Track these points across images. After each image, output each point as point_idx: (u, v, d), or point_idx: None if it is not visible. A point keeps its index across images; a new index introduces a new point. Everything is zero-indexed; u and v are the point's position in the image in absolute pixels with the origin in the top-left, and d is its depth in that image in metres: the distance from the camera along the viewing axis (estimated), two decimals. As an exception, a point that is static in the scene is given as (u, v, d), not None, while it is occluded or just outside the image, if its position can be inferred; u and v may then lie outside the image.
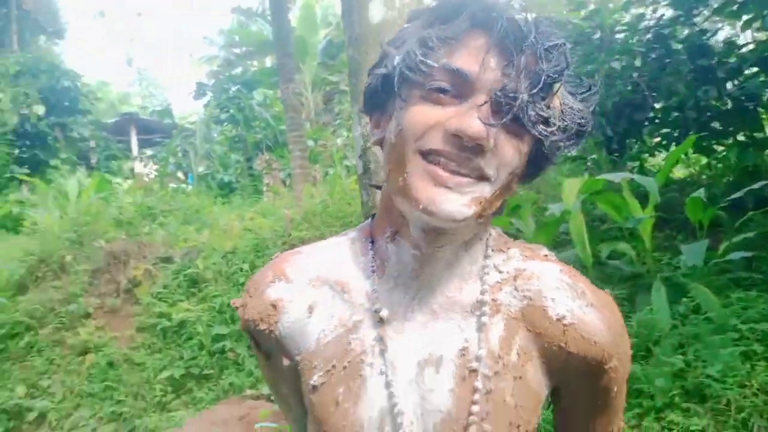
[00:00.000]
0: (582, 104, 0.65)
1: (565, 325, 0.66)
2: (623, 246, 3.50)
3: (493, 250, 0.71)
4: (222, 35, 15.06)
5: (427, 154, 0.60)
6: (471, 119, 0.57)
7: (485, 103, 0.58)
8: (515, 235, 5.10)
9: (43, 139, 12.29)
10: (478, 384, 0.65)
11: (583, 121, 0.64)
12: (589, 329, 0.66)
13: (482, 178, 0.60)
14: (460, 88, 0.59)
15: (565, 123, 0.62)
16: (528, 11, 0.59)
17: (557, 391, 0.73)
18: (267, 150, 9.72)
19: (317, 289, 0.72)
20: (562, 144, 0.63)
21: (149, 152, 14.97)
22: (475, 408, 0.64)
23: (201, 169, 11.72)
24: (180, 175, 12.60)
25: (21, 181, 10.46)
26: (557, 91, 0.61)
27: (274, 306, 0.72)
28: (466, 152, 0.58)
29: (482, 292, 0.68)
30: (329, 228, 5.09)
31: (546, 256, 0.73)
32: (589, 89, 0.66)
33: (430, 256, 0.66)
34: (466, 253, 0.69)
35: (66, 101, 13.06)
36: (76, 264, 4.98)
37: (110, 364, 4.43)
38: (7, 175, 11.28)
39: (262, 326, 0.72)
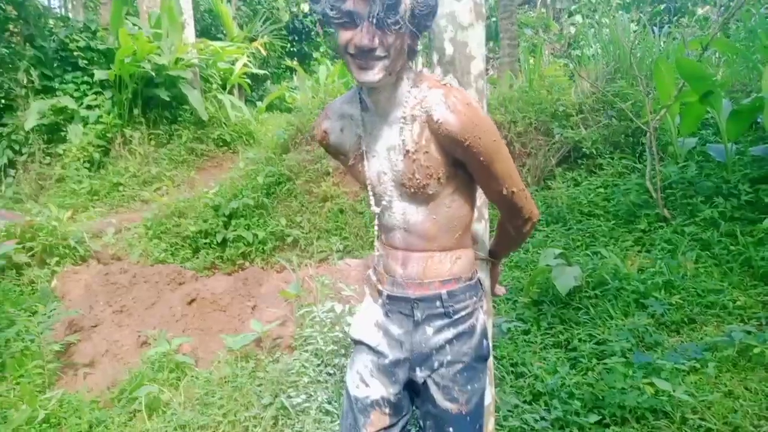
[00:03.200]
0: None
1: (439, 122, 1.26)
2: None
3: (413, 87, 1.32)
4: None
5: (351, 55, 1.21)
6: (361, 38, 1.16)
7: (363, 25, 1.16)
8: (707, 121, 4.82)
9: (308, 33, 14.50)
10: (410, 156, 1.33)
11: (424, 8, 1.19)
12: (449, 122, 1.25)
13: (379, 58, 1.19)
14: (353, 18, 1.17)
15: (416, 15, 1.19)
16: None
17: (461, 164, 1.34)
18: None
19: (343, 120, 1.46)
20: (420, 26, 1.21)
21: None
22: (408, 168, 1.33)
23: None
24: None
25: (292, 70, 12.76)
26: (403, 20, 1.16)
27: (325, 132, 1.48)
28: (366, 53, 1.19)
29: (404, 111, 1.32)
30: (522, 113, 5.49)
31: (444, 84, 1.31)
32: None
33: (377, 96, 1.32)
34: (394, 90, 1.31)
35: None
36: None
37: (341, 211, 5.77)
38: (283, 66, 13.82)
39: (323, 143, 1.50)
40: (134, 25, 8.03)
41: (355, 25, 1.18)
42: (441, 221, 1.40)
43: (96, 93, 7.36)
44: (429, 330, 1.45)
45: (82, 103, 7.20)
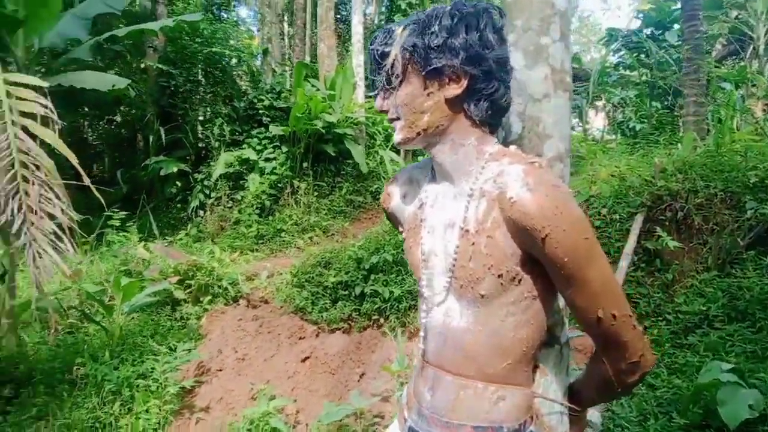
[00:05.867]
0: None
1: (512, 202, 0.98)
2: None
3: (489, 161, 1.09)
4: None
5: None
6: (376, 102, 1.14)
7: (378, 92, 1.14)
8: None
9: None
10: (468, 238, 1.06)
11: (426, 45, 1.07)
12: (524, 202, 0.97)
13: (394, 119, 1.12)
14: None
15: (415, 60, 1.07)
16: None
17: (538, 266, 1.04)
18: (675, 95, 8.84)
19: (409, 185, 1.26)
20: (431, 67, 1.07)
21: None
22: (463, 251, 1.07)
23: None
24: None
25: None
26: (395, 72, 1.09)
27: (388, 195, 1.29)
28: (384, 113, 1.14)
29: (473, 184, 1.08)
30: (705, 181, 4.60)
31: (531, 161, 1.04)
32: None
33: (438, 162, 1.15)
34: (455, 156, 1.11)
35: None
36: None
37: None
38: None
39: (384, 207, 1.29)
40: (313, 86, 8.80)
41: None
42: (487, 337, 1.08)
43: (274, 147, 8.15)
44: (452, 487, 1.11)
45: (261, 156, 8.01)
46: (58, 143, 3.40)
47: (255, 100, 8.41)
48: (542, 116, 1.27)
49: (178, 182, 8.36)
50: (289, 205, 7.69)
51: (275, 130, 7.96)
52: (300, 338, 4.00)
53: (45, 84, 3.51)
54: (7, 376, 3.61)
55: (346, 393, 3.38)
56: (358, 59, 9.00)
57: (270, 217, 7.57)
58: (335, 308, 5.55)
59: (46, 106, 3.40)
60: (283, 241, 7.09)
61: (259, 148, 8.14)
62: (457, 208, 1.10)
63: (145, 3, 10.23)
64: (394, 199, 1.28)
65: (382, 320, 5.41)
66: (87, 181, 3.42)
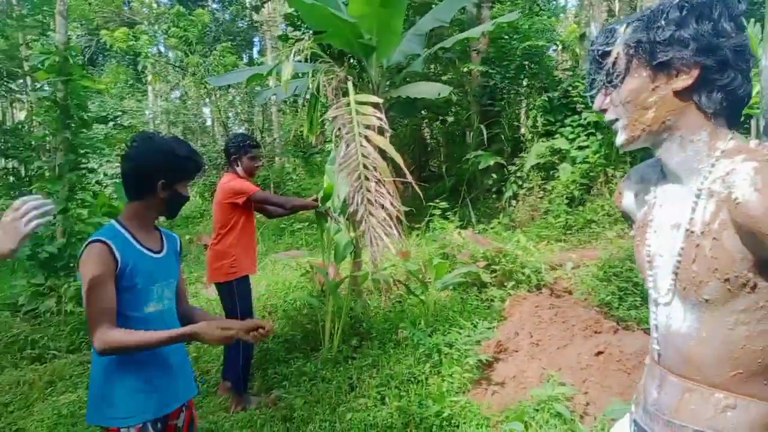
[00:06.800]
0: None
1: (737, 202, 0.94)
2: None
3: (720, 159, 1.04)
4: None
5: None
6: (596, 101, 1.16)
7: (598, 90, 1.08)
8: None
9: None
10: (692, 239, 1.05)
11: (658, 30, 1.07)
12: (749, 203, 0.92)
13: (616, 120, 1.10)
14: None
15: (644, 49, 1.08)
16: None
17: None
18: None
19: (640, 184, 1.26)
20: (658, 58, 1.07)
21: None
22: (687, 253, 1.06)
23: None
24: None
25: None
26: (618, 70, 1.11)
27: (620, 193, 1.33)
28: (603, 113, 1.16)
29: (702, 183, 1.05)
30: None
31: (767, 158, 0.96)
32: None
33: (665, 161, 1.13)
34: (683, 154, 1.09)
35: None
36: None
37: None
38: None
39: (617, 205, 1.36)
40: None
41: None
42: (713, 344, 1.06)
43: (588, 134, 7.93)
44: (669, 486, 1.13)
45: (574, 144, 7.91)
46: (388, 147, 4.20)
47: (570, 88, 8.32)
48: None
49: (494, 174, 8.96)
50: (602, 194, 7.40)
51: (590, 116, 7.74)
52: (595, 332, 3.93)
53: (380, 101, 4.37)
54: (355, 330, 4.69)
55: (639, 395, 3.22)
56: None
57: (580, 207, 7.44)
58: (645, 307, 5.17)
59: (380, 119, 4.24)
60: (593, 231, 6.89)
61: (572, 136, 8.05)
62: (684, 209, 1.09)
63: (471, 10, 11.18)
64: (627, 198, 1.31)
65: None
66: (410, 177, 4.13)
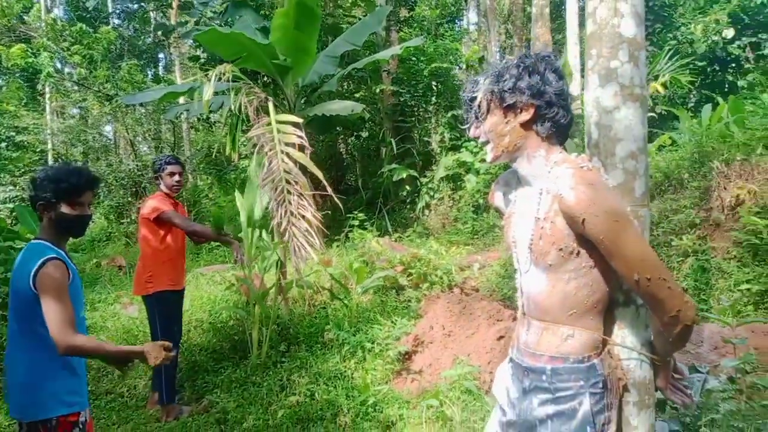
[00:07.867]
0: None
1: (561, 197, 1.40)
2: None
3: (553, 167, 1.51)
4: None
5: None
6: (470, 131, 1.63)
7: (471, 124, 1.55)
8: None
9: (733, 61, 12.58)
10: (538, 223, 1.51)
11: (504, 86, 1.54)
12: (567, 198, 1.38)
13: (485, 143, 1.53)
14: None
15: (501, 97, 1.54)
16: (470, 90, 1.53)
17: (591, 243, 1.43)
18: None
19: (506, 186, 1.74)
20: (506, 103, 1.54)
21: None
22: (536, 233, 1.51)
23: None
24: None
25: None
26: (482, 110, 1.56)
27: (493, 194, 1.79)
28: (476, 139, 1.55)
29: (542, 186, 1.51)
30: None
31: (581, 166, 1.46)
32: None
33: (520, 170, 1.60)
34: (530, 165, 1.55)
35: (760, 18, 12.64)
36: (691, 180, 5.78)
37: (703, 269, 5.09)
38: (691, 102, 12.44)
39: (490, 202, 1.81)
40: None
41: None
42: (556, 295, 1.52)
43: (489, 148, 8.70)
44: (534, 401, 1.57)
45: (477, 157, 8.65)
46: (308, 163, 4.54)
47: (472, 107, 9.09)
48: (613, 124, 1.59)
49: (408, 186, 9.54)
50: (503, 202, 8.16)
51: (488, 132, 8.51)
52: (497, 320, 4.47)
53: (300, 120, 4.71)
54: (283, 336, 4.95)
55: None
56: (574, 51, 8.90)
57: (485, 214, 8.15)
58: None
59: (301, 137, 4.58)
60: (496, 235, 7.60)
61: (475, 150, 8.79)
62: (532, 203, 1.56)
63: (380, 32, 11.81)
64: (497, 197, 1.79)
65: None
66: (329, 190, 4.48)
